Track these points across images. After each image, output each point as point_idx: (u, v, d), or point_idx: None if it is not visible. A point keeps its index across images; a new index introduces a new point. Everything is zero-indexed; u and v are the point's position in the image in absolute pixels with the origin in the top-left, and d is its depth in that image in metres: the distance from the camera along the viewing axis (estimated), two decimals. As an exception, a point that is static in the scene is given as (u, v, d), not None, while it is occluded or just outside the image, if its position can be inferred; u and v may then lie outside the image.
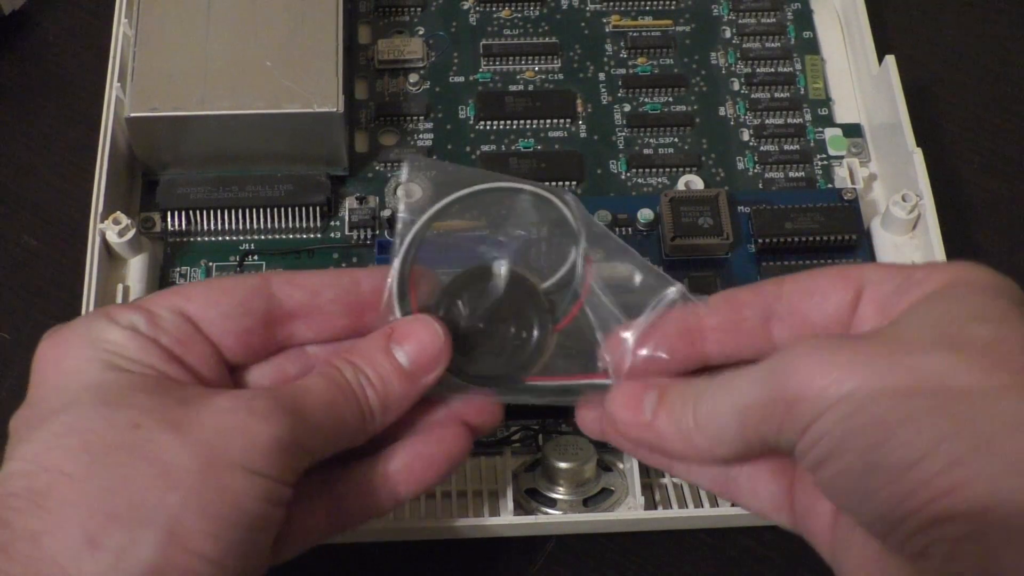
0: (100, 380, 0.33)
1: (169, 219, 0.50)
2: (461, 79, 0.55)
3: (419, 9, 0.57)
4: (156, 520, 0.30)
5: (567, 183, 0.52)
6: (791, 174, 0.53)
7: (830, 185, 0.53)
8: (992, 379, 0.29)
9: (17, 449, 0.32)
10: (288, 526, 0.35)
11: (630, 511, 0.44)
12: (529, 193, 0.38)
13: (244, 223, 0.50)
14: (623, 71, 0.56)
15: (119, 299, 0.47)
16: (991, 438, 0.28)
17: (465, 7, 0.57)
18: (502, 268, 0.37)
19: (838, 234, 0.49)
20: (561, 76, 0.55)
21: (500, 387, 0.37)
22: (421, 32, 0.56)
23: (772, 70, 0.56)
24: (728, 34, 0.57)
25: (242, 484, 0.31)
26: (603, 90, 0.55)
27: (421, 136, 0.53)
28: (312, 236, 0.50)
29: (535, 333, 0.37)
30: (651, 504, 0.44)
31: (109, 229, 0.47)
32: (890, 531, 0.29)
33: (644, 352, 0.35)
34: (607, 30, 0.57)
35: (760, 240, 0.49)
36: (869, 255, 0.50)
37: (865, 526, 0.31)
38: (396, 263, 0.37)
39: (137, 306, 0.35)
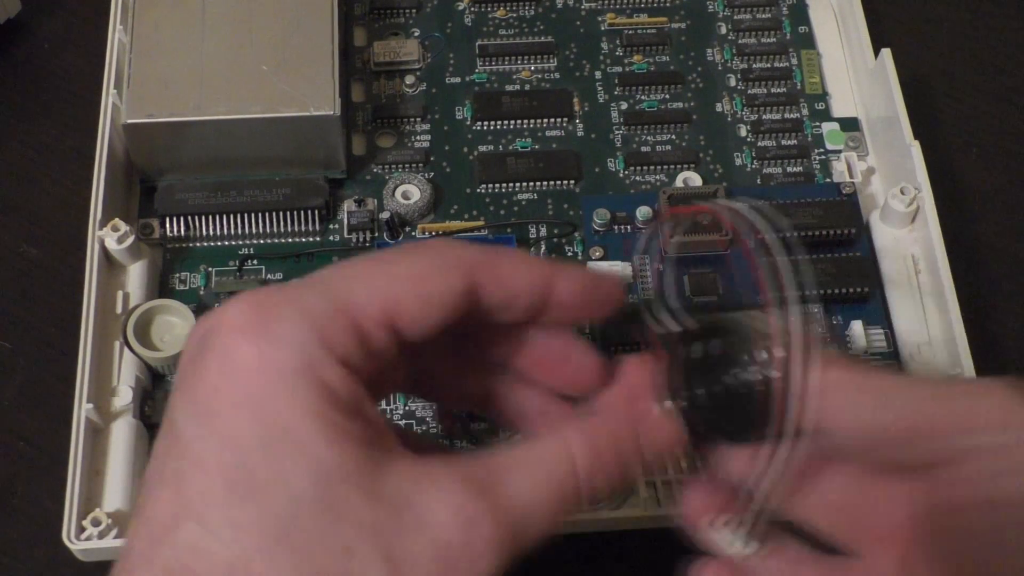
0: (316, 460, 0.27)
1: (168, 225, 0.50)
2: (457, 80, 0.55)
3: (414, 11, 0.57)
4: None
5: (565, 182, 0.52)
6: (789, 169, 0.53)
7: (828, 179, 0.53)
8: None
9: (192, 509, 0.27)
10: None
11: (635, 509, 0.44)
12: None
13: (243, 227, 0.50)
14: (619, 69, 0.56)
15: (119, 307, 0.47)
16: None
17: (460, 8, 0.57)
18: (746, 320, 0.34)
19: (837, 228, 0.49)
20: (557, 75, 0.55)
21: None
22: (416, 34, 0.56)
23: (768, 65, 0.56)
24: (724, 30, 0.57)
25: None
26: (600, 88, 0.55)
27: (418, 138, 0.53)
28: (311, 239, 0.50)
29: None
30: (656, 502, 0.44)
31: (108, 236, 0.47)
32: None
33: None
34: (603, 28, 0.57)
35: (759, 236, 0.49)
36: (868, 249, 0.50)
37: None
38: None
39: (351, 322, 0.29)
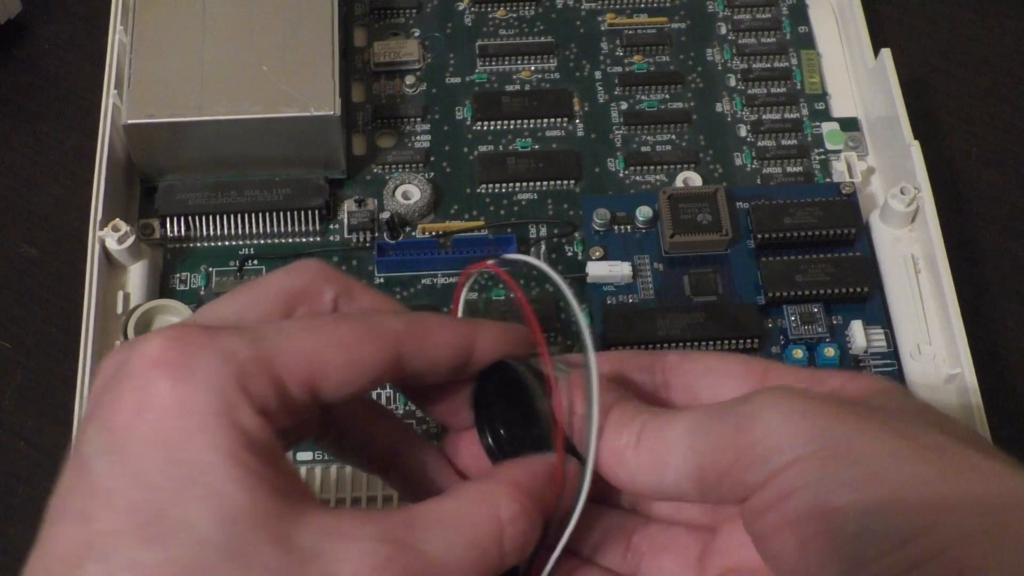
0: (227, 504, 0.26)
1: (168, 225, 0.50)
2: (457, 80, 0.55)
3: (414, 11, 0.57)
4: None
5: (565, 182, 0.52)
6: (789, 169, 0.53)
7: (828, 179, 0.53)
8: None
9: (96, 548, 0.26)
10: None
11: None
12: None
13: (243, 228, 0.50)
14: (619, 69, 0.56)
15: (119, 307, 0.47)
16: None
17: (460, 8, 0.57)
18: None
19: (837, 228, 0.49)
20: (557, 75, 0.55)
21: None
22: (416, 34, 0.56)
23: (768, 65, 0.56)
24: (723, 30, 0.57)
25: None
26: (600, 88, 0.55)
27: (418, 138, 0.53)
28: (311, 239, 0.50)
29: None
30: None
31: (108, 236, 0.47)
32: None
33: None
34: (602, 28, 0.57)
35: (759, 236, 0.49)
36: (868, 248, 0.50)
37: None
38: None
39: (273, 377, 0.28)
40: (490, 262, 0.34)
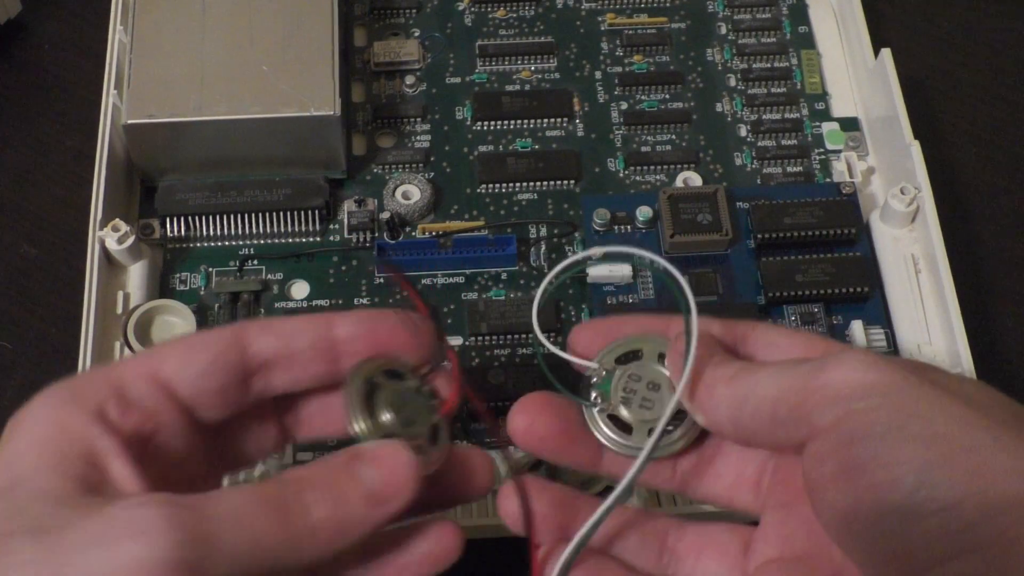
0: (19, 485, 0.29)
1: (168, 225, 0.50)
2: (457, 80, 0.55)
3: (414, 11, 0.57)
4: None
5: (565, 182, 0.52)
6: (789, 169, 0.53)
7: (828, 179, 0.53)
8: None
9: None
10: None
11: (631, 508, 0.43)
12: None
13: (243, 228, 0.50)
14: (619, 69, 0.56)
15: (119, 307, 0.47)
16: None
17: (460, 8, 0.57)
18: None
19: (837, 228, 0.49)
20: (557, 75, 0.55)
21: None
22: (416, 34, 0.56)
23: (768, 65, 0.56)
24: (723, 30, 0.57)
25: None
26: (600, 88, 0.55)
27: (418, 138, 0.53)
28: (311, 240, 0.50)
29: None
30: (654, 503, 0.44)
31: (108, 236, 0.47)
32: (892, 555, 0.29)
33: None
34: (602, 28, 0.57)
35: (759, 235, 0.49)
36: (868, 248, 0.50)
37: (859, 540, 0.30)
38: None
39: (110, 380, 0.32)
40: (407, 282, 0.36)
